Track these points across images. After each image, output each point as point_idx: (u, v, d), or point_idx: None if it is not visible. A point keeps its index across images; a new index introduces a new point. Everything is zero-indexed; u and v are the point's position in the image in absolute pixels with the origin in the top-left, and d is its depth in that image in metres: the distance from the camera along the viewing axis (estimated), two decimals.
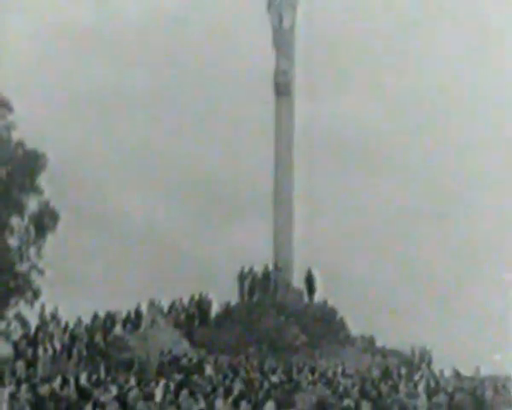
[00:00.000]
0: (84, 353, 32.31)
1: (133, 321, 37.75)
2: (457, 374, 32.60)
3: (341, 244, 59.40)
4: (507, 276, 35.38)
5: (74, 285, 52.80)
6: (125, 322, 37.46)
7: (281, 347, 38.19)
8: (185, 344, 36.24)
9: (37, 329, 34.15)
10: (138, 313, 37.92)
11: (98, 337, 34.21)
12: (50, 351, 31.33)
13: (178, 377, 28.50)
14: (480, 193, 59.18)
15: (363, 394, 25.74)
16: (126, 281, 54.83)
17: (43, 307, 36.53)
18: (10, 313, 42.39)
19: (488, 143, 58.90)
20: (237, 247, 56.36)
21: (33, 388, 23.27)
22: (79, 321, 35.07)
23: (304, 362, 34.48)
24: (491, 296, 44.94)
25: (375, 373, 32.95)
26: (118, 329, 36.38)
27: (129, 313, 38.08)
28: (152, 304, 37.94)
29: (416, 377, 31.56)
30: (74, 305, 41.85)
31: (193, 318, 40.36)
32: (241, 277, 42.21)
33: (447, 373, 33.76)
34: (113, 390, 24.04)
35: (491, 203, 56.34)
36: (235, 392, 24.66)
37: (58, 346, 32.21)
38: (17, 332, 35.49)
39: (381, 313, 50.71)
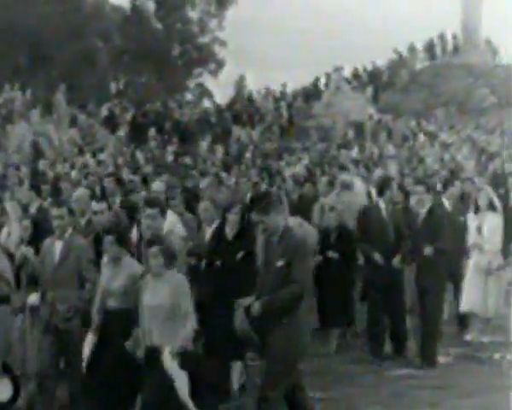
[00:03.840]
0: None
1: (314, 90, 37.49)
2: None
3: None
4: None
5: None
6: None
7: (469, 109, 37.14)
8: (370, 110, 35.59)
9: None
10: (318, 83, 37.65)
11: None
12: None
13: None
14: None
15: None
16: None
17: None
18: (193, 83, 43.15)
19: None
20: None
21: None
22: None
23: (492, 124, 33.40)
24: None
25: None
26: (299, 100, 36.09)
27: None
28: (336, 70, 37.19)
29: None
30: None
31: (378, 80, 39.67)
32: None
33: None
34: None
35: None
36: None
37: None
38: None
39: None
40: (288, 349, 7.42)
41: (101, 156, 22.66)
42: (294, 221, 9.90)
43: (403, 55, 41.30)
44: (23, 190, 13.86)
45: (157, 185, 12.38)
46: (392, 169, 18.74)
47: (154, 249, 7.83)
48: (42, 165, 19.90)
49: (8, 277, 8.79)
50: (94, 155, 23.04)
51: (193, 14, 45.71)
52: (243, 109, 33.06)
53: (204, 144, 27.31)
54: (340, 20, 59.21)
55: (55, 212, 9.06)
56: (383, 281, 10.87)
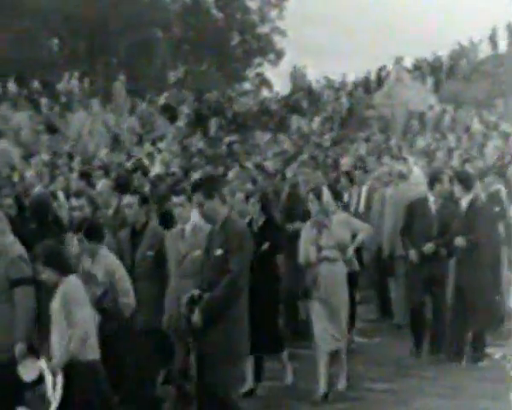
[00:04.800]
0: None
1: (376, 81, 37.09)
2: None
3: None
4: None
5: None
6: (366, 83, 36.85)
7: None
8: (432, 100, 35.08)
9: None
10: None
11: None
12: None
13: None
14: None
15: None
16: None
17: None
18: (252, 73, 43.05)
19: None
20: None
21: None
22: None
23: None
24: None
25: None
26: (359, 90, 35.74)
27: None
28: (397, 60, 36.77)
29: None
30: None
31: (439, 71, 39.08)
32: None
33: None
34: None
35: None
36: None
37: None
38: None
39: None
40: (229, 344, 7.24)
41: (160, 145, 22.67)
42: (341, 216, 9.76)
43: (464, 46, 40.65)
44: (73, 178, 13.83)
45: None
46: (454, 160, 18.41)
47: None
48: (102, 154, 19.98)
49: (23, 265, 8.11)
50: (153, 143, 23.06)
51: (253, 4, 45.60)
52: (302, 99, 32.86)
53: (262, 135, 27.20)
54: (400, 12, 58.71)
55: (74, 203, 8.85)
56: (425, 276, 10.59)
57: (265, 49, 45.50)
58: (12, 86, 26.38)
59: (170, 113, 28.75)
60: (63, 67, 30.42)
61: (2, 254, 7.91)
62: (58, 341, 7.01)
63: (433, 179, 10.95)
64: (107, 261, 8.00)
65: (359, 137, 26.73)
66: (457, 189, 10.60)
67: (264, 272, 9.00)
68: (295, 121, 29.97)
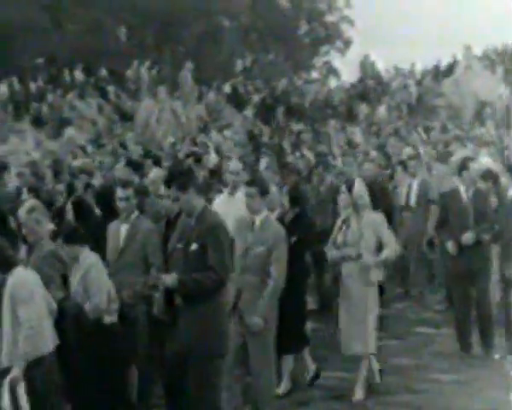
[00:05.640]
0: None
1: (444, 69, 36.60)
2: None
3: None
4: None
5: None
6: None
7: None
8: (501, 89, 34.44)
9: None
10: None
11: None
12: None
13: None
14: None
15: None
16: None
17: None
18: (319, 62, 42.85)
19: None
20: None
21: None
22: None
23: None
24: None
25: None
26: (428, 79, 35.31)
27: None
28: (467, 49, 36.18)
29: None
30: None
31: (510, 59, 38.39)
32: None
33: None
34: None
35: None
36: None
37: None
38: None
39: None
40: (206, 341, 7.09)
41: (227, 133, 22.69)
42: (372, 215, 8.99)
43: None
44: (120, 166, 13.82)
45: (233, 165, 12.15)
46: None
47: None
48: (167, 143, 20.09)
49: (62, 255, 8.07)
50: (220, 131, 23.10)
51: None
52: (370, 88, 32.60)
53: (331, 124, 27.05)
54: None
55: (120, 193, 8.64)
56: (466, 268, 10.23)
57: (333, 37, 45.32)
58: (79, 75, 26.66)
59: (237, 101, 28.76)
60: (131, 56, 30.63)
61: (37, 245, 7.85)
62: (6, 342, 6.87)
63: (462, 168, 10.56)
64: (84, 265, 7.80)
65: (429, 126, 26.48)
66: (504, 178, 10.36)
67: (292, 268, 8.30)
68: (364, 110, 29.75)
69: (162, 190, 9.43)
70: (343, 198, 9.03)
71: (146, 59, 29.17)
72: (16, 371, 6.71)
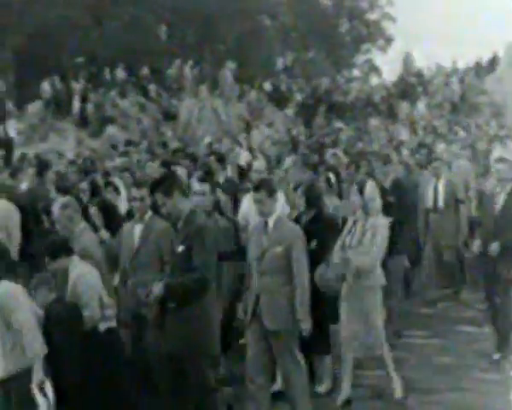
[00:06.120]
0: None
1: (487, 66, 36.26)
2: None
3: None
4: None
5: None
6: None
7: None
8: None
9: None
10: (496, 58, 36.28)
11: None
12: None
13: None
14: None
15: None
16: None
17: None
18: (360, 60, 42.66)
19: None
20: None
21: None
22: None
23: None
24: None
25: None
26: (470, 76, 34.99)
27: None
28: (510, 46, 35.75)
29: None
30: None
31: None
32: None
33: None
34: None
35: None
36: None
37: None
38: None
39: None
40: (189, 343, 7.10)
41: (267, 132, 22.66)
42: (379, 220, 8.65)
43: None
44: (152, 164, 13.83)
45: (258, 164, 12.00)
46: None
47: None
48: (206, 141, 20.09)
49: (94, 252, 8.11)
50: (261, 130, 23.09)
51: None
52: (412, 86, 32.40)
53: (372, 121, 26.92)
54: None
55: (134, 193, 8.58)
56: (492, 272, 9.94)
57: (374, 35, 45.14)
58: (120, 73, 26.77)
59: (278, 100, 28.72)
60: (171, 55, 30.73)
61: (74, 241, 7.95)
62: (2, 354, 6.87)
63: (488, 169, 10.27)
64: (73, 275, 7.52)
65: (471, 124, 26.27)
66: None
67: (312, 272, 8.04)
68: (405, 108, 29.55)
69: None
70: (353, 200, 8.78)
71: (187, 58, 29.20)
72: (39, 373, 6.76)
